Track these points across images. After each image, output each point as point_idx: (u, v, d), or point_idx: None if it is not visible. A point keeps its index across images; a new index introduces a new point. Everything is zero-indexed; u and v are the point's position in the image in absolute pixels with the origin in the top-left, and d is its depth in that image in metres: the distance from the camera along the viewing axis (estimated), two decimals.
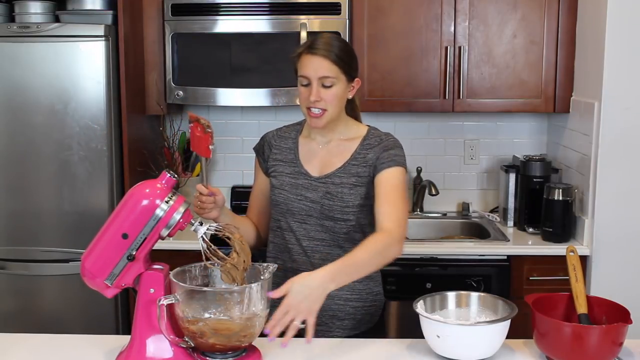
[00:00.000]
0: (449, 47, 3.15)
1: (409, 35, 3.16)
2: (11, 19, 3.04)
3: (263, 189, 2.18)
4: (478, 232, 3.33)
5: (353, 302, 2.08)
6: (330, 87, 1.97)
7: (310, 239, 2.06)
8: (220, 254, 1.73)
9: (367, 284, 2.11)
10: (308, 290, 1.70)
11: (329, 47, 1.97)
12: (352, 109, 2.14)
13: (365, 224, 2.06)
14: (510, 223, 3.30)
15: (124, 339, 1.81)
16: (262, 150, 2.17)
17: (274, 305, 2.01)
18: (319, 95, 1.97)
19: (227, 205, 3.56)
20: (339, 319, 2.08)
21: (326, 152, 2.09)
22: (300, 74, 2.00)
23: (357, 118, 2.17)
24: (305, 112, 2.02)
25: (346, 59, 2.00)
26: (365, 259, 1.85)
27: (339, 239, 2.05)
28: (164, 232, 1.71)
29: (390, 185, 2.00)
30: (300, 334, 2.06)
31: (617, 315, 1.77)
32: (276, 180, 2.11)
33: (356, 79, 2.06)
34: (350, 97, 2.06)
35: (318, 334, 2.04)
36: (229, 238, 1.76)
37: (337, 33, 3.11)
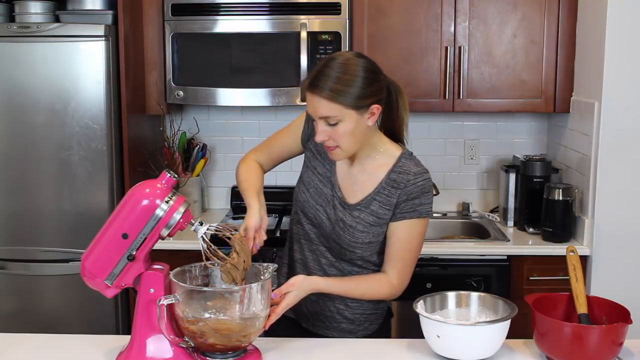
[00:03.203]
0: (449, 47, 3.15)
1: (409, 35, 3.16)
2: (11, 19, 3.04)
3: (288, 144, 2.09)
4: (478, 232, 3.33)
5: (353, 310, 2.05)
6: (335, 124, 1.82)
7: (317, 245, 2.03)
8: (220, 254, 1.73)
9: None
10: (303, 293, 1.86)
11: (329, 81, 1.79)
12: (391, 122, 2.00)
13: (368, 254, 2.00)
14: (511, 223, 3.30)
15: (124, 339, 1.81)
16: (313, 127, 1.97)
17: (281, 280, 2.03)
18: (325, 134, 1.84)
19: (227, 205, 3.59)
20: (336, 321, 2.06)
21: (356, 173, 1.99)
22: (307, 109, 1.89)
23: (398, 133, 2.02)
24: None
25: (350, 91, 1.80)
26: (357, 295, 1.99)
27: (337, 259, 2.02)
28: (164, 232, 1.71)
29: (405, 240, 1.96)
30: (300, 333, 2.07)
31: (617, 315, 1.77)
32: (306, 172, 2.05)
33: (374, 106, 1.85)
34: (370, 124, 1.87)
35: (315, 327, 2.06)
36: (229, 238, 1.76)
37: (337, 33, 3.11)
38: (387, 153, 1.98)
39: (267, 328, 1.77)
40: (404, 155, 1.98)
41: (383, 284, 1.98)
